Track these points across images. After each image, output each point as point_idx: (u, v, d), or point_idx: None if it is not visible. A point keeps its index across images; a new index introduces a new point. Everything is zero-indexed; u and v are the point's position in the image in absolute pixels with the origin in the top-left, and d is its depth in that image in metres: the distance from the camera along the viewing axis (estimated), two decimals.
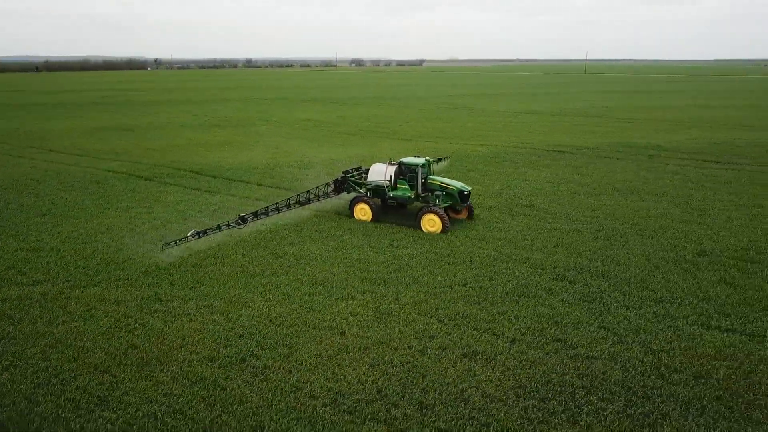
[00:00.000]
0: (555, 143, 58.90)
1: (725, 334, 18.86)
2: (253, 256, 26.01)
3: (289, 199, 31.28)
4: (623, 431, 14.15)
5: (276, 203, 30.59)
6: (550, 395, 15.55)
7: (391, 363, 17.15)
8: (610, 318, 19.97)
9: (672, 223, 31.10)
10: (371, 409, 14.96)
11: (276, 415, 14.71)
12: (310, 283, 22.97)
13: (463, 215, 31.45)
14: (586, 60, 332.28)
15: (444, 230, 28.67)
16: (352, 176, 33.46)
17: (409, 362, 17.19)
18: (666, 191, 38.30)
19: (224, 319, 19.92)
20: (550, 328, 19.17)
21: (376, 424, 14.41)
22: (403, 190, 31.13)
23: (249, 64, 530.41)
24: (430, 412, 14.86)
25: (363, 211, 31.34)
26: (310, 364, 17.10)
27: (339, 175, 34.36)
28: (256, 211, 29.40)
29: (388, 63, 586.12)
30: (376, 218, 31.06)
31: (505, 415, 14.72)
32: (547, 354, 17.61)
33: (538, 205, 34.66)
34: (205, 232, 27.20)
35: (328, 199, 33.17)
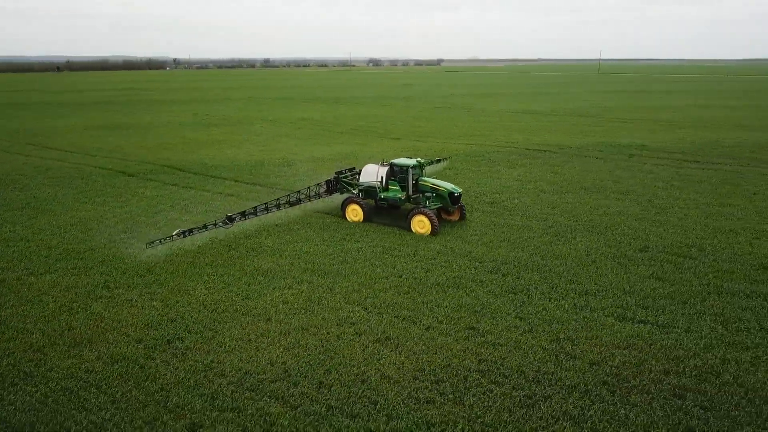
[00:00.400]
0: (541, 142, 59.37)
1: (636, 325, 19.55)
2: (206, 247, 27.19)
3: (278, 199, 31.12)
4: (502, 410, 14.99)
5: (265, 203, 30.38)
6: (444, 378, 16.42)
7: (306, 346, 18.16)
8: (529, 309, 20.75)
9: (626, 220, 31.66)
10: (272, 388, 15.98)
11: (182, 391, 15.80)
12: (253, 274, 24.06)
13: (455, 217, 31.08)
14: (599, 60, 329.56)
15: (433, 232, 28.37)
16: (345, 177, 33.33)
17: (323, 346, 18.19)
18: (632, 190, 38.76)
19: (162, 305, 21.09)
20: (467, 317, 20.02)
21: (273, 401, 15.42)
22: (394, 192, 30.89)
23: (267, 63, 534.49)
24: (326, 391, 15.83)
25: (354, 212, 31.15)
26: (228, 346, 18.18)
27: (332, 175, 34.21)
28: (244, 211, 29.23)
29: (406, 63, 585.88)
30: (367, 219, 30.91)
31: (395, 394, 15.64)
32: (456, 340, 18.47)
33: (500, 202, 35.39)
34: (191, 231, 27.13)
35: (320, 199, 33.05)
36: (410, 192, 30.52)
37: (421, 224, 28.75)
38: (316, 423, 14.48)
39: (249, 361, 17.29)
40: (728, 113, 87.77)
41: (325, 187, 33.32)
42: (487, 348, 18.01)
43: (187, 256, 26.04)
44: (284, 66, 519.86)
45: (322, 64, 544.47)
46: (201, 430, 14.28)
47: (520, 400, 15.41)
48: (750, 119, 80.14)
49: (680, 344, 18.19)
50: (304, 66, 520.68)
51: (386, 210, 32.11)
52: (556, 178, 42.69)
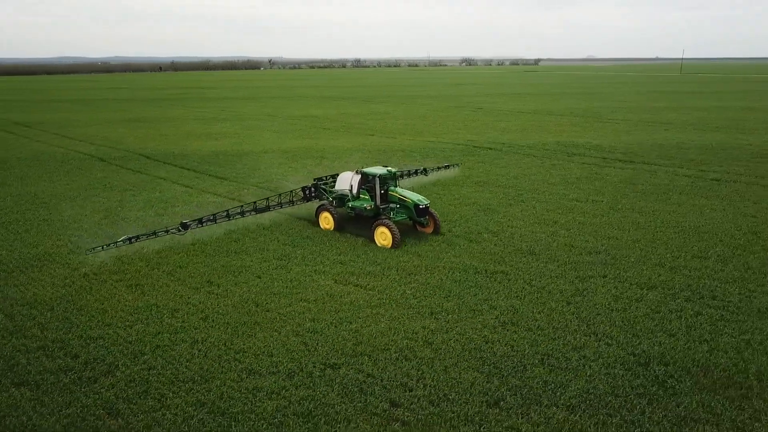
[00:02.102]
0: (499, 141, 61.31)
1: (342, 287, 23.11)
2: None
3: (242, 206, 30.09)
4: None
5: (227, 210, 29.29)
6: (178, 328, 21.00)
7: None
8: (291, 275, 24.62)
9: (468, 209, 34.36)
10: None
11: None
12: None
13: (429, 229, 29.47)
14: (682, 59, 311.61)
15: (395, 245, 27.05)
16: (326, 183, 32.58)
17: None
18: (516, 185, 40.88)
19: None
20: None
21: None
22: (362, 201, 29.68)
23: (357, 63, 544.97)
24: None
25: (326, 220, 30.27)
26: None
27: (311, 182, 33.44)
28: (201, 218, 28.09)
29: (501, 62, 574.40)
30: (338, 227, 29.91)
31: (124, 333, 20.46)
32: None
33: None
34: (137, 238, 25.88)
35: (292, 207, 32.09)
36: (378, 202, 29.10)
37: (383, 236, 27.47)
38: None
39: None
40: (744, 115, 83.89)
41: (302, 193, 32.46)
42: (217, 297, 22.41)
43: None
44: (374, 65, 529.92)
45: (413, 64, 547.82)
46: None
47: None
48: (756, 122, 76.71)
49: None
50: (394, 66, 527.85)
51: (363, 219, 30.13)
52: (465, 172, 45.03)
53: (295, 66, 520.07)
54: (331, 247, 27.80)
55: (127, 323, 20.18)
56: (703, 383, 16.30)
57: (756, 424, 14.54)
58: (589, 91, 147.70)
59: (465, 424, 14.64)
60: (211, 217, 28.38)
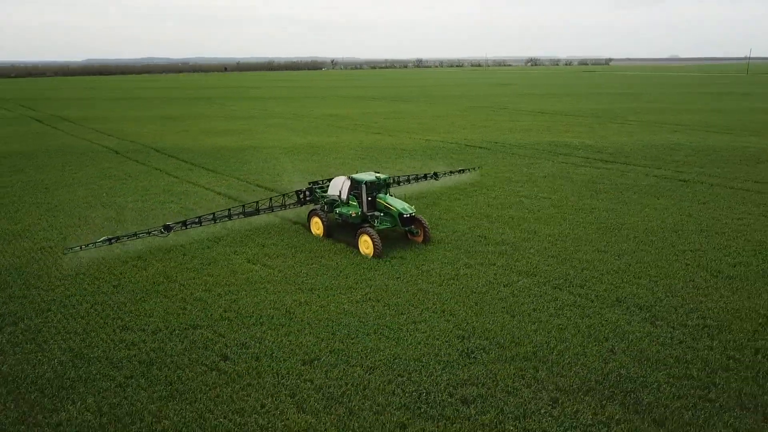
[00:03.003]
0: (495, 140, 62.41)
1: (250, 265, 25.82)
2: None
3: (229, 209, 29.59)
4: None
5: (213, 213, 29.02)
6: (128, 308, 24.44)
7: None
8: (212, 254, 27.71)
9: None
10: None
11: None
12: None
13: (420, 238, 28.36)
14: (748, 58, 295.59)
15: (376, 254, 26.07)
16: (322, 187, 31.93)
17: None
18: (478, 181, 42.34)
19: None
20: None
21: None
22: (350, 208, 28.83)
23: (419, 64, 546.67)
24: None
25: (317, 225, 29.56)
26: None
27: (306, 186, 32.96)
28: (185, 220, 27.82)
29: (569, 62, 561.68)
30: (327, 234, 29.06)
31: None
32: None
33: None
34: (117, 239, 25.91)
35: (283, 210, 31.57)
36: (364, 209, 28.17)
37: (365, 245, 26.56)
38: None
39: None
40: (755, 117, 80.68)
41: (296, 197, 32.00)
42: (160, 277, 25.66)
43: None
44: (435, 66, 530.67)
45: (476, 64, 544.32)
46: None
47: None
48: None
49: None
50: (457, 66, 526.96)
51: (351, 226, 28.91)
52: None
53: (357, 66, 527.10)
54: (265, 233, 30.54)
55: (51, 286, 23.62)
56: (506, 356, 17.93)
57: (525, 391, 16.15)
58: (632, 91, 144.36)
59: (274, 377, 17.00)
60: (196, 220, 27.99)
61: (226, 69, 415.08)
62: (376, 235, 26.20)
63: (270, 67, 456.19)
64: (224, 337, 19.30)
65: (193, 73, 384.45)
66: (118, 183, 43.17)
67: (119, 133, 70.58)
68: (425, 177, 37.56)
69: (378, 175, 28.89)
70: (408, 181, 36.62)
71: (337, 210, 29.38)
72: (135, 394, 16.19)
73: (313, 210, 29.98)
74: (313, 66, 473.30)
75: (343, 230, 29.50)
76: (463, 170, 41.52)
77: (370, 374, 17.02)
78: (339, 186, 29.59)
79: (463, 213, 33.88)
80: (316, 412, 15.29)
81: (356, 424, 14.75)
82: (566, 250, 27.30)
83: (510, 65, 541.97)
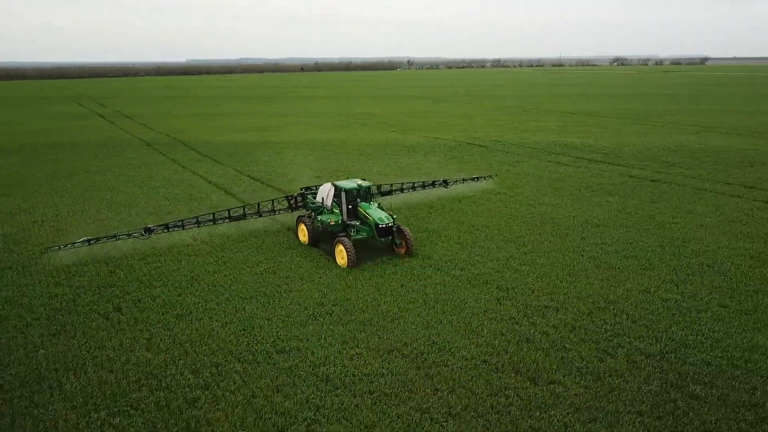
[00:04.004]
0: (497, 139, 63.84)
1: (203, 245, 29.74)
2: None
3: (214, 213, 29.18)
4: None
5: (196, 216, 28.88)
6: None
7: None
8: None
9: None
10: None
11: None
12: None
13: (402, 250, 27.16)
14: None
15: (350, 264, 25.31)
16: (314, 194, 30.85)
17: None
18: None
19: None
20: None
21: None
22: (331, 215, 27.86)
23: (497, 63, 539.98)
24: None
25: (303, 232, 28.90)
26: None
27: (298, 191, 32.42)
28: (167, 223, 27.78)
29: (659, 62, 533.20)
30: (313, 242, 28.34)
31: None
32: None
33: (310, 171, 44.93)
34: (97, 240, 26.14)
35: (270, 216, 31.28)
36: (345, 218, 27.51)
37: (341, 254, 25.82)
38: None
39: None
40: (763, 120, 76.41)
41: (287, 203, 31.37)
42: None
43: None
44: (515, 66, 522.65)
45: (558, 64, 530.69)
46: None
47: None
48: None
49: None
50: (537, 66, 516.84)
51: (332, 235, 27.73)
52: (425, 162, 49.62)
53: (432, 67, 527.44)
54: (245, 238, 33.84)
55: (27, 251, 28.57)
56: (347, 320, 20.72)
57: (333, 351, 18.95)
58: (691, 93, 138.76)
59: (143, 325, 20.67)
60: (179, 223, 27.82)
61: (302, 69, 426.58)
62: (350, 246, 25.51)
63: (347, 67, 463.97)
64: (129, 294, 23.20)
65: (273, 73, 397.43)
66: (132, 171, 48.64)
67: (160, 128, 77.40)
68: (433, 184, 35.49)
69: (360, 182, 28.07)
70: (413, 188, 34.69)
71: (319, 217, 28.36)
72: (33, 331, 20.35)
73: (300, 216, 29.40)
74: (389, 66, 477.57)
75: (328, 238, 28.37)
76: (477, 178, 38.75)
77: (223, 328, 20.32)
78: (325, 193, 28.86)
79: (408, 203, 36.38)
80: (160, 351, 18.81)
81: (189, 360, 18.13)
82: (473, 239, 29.30)
83: (594, 65, 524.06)
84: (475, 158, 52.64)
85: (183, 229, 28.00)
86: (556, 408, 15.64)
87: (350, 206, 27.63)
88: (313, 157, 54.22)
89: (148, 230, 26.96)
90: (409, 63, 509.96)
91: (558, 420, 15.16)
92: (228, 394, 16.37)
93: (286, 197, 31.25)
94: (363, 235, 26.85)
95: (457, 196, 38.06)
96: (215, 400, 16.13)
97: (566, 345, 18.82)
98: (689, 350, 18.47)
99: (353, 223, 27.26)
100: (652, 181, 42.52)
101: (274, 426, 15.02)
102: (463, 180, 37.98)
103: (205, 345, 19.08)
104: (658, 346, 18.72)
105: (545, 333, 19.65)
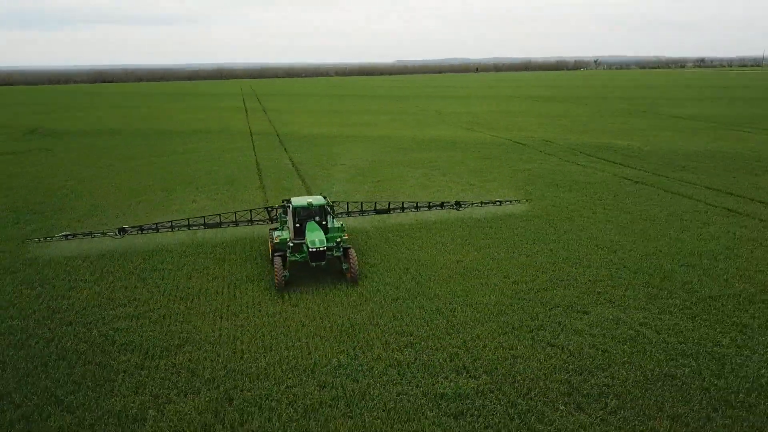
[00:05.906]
0: (541, 138, 66.14)
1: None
2: None
3: (188, 219, 29.10)
4: None
5: (170, 221, 28.69)
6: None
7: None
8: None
9: (340, 171, 45.53)
10: None
11: None
12: None
13: (349, 275, 25.12)
14: None
15: (277, 286, 24.05)
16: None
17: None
18: (433, 164, 48.99)
19: None
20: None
21: None
22: (282, 232, 26.62)
23: (700, 63, 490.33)
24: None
25: (271, 246, 27.14)
26: None
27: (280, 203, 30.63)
28: (142, 226, 27.95)
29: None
30: (273, 255, 25.94)
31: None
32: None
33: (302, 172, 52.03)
34: (74, 236, 27.21)
35: (247, 225, 30.57)
36: (292, 236, 26.07)
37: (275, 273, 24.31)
38: None
39: None
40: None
41: (267, 213, 30.70)
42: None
43: None
44: (723, 65, 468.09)
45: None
46: None
47: None
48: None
49: None
50: (754, 66, 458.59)
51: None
52: (404, 159, 54.27)
53: (621, 66, 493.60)
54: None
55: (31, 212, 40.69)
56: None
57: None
58: (748, 96, 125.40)
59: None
60: (153, 226, 27.98)
61: (477, 70, 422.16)
62: (279, 266, 24.03)
63: (526, 67, 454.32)
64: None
65: (448, 73, 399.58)
66: (211, 152, 59.44)
67: (276, 122, 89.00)
68: (441, 205, 32.10)
69: (310, 201, 26.57)
70: (416, 208, 31.68)
71: (275, 233, 26.85)
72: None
73: (272, 229, 28.67)
74: (574, 66, 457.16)
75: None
76: (500, 202, 34.58)
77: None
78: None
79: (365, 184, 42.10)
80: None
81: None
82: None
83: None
84: (496, 152, 55.24)
85: (157, 232, 28.37)
86: None
87: (298, 224, 26.08)
88: (360, 149, 60.15)
89: (122, 230, 27.85)
90: (597, 63, 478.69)
91: None
92: None
93: (266, 209, 30.73)
94: (296, 257, 25.21)
95: (464, 218, 33.79)
96: None
97: None
98: None
99: (291, 243, 25.35)
100: (636, 182, 43.27)
101: None
102: (481, 203, 34.38)
103: None
104: None
105: None
